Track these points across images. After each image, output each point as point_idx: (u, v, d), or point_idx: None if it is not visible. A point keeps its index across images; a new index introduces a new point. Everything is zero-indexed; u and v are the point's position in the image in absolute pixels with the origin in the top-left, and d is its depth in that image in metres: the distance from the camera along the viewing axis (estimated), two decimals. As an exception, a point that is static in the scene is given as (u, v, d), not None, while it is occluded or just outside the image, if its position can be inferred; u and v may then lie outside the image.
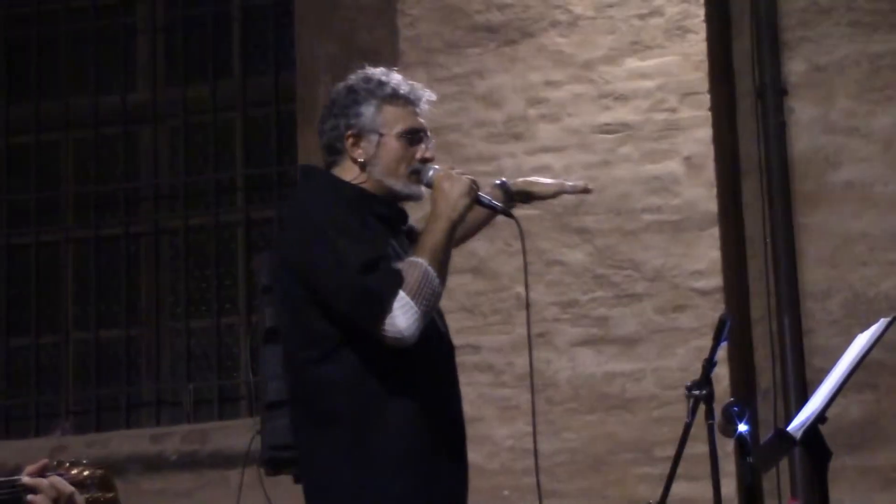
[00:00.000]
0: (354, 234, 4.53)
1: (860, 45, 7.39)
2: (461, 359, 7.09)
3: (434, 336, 4.65)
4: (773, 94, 7.45)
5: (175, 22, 8.90)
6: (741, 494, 6.45)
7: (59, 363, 8.79)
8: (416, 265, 4.47)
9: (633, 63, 7.28)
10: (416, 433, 4.57)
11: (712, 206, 7.14)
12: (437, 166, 4.66)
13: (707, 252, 7.09)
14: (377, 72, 4.74)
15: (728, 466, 6.00)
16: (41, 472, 3.40)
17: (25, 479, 3.38)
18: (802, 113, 7.45)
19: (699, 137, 7.18)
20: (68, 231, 8.89)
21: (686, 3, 7.26)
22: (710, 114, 7.21)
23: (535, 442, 4.85)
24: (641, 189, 7.20)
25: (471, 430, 7.06)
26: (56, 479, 3.40)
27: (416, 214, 4.79)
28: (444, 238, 4.52)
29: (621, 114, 7.27)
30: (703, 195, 7.15)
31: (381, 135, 4.65)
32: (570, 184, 5.24)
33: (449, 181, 4.58)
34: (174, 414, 8.54)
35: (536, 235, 6.86)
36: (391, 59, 7.62)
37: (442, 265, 4.50)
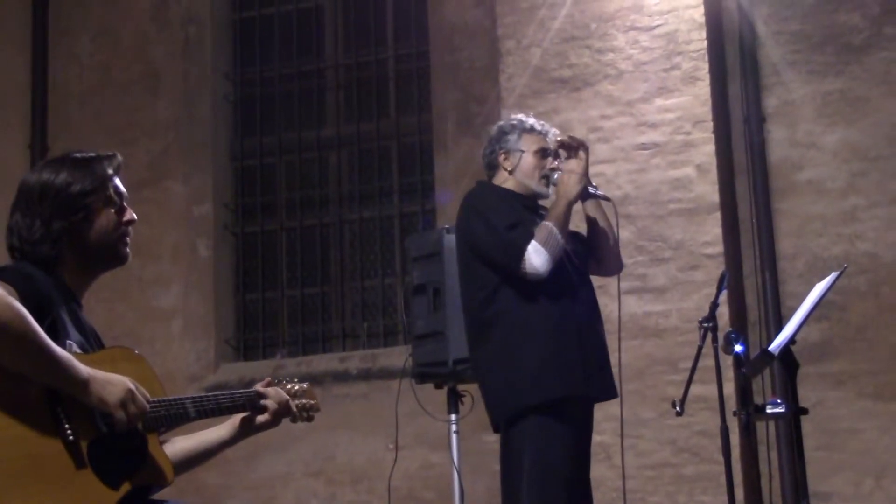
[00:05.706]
0: (501, 211, 4.64)
1: (815, 86, 7.35)
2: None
3: (568, 276, 4.66)
4: (756, 120, 7.39)
5: (351, 81, 8.92)
6: (738, 393, 6.37)
7: (277, 310, 8.85)
8: (545, 226, 4.59)
9: (660, 102, 7.23)
10: (556, 343, 4.54)
11: (715, 198, 7.07)
12: (560, 171, 4.76)
13: (712, 229, 7.04)
14: (520, 115, 4.91)
15: (728, 374, 5.98)
16: (268, 385, 3.46)
17: (258, 387, 3.44)
18: (776, 133, 7.39)
19: (706, 151, 7.12)
20: (282, 223, 8.93)
21: (695, 60, 7.20)
22: (713, 135, 7.13)
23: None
24: (667, 187, 7.16)
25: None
26: (278, 390, 3.45)
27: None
28: (564, 210, 4.62)
29: (653, 136, 7.22)
30: (709, 190, 7.09)
31: (521, 152, 4.78)
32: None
33: (567, 175, 4.70)
34: (354, 343, 8.58)
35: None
36: (496, 103, 7.71)
37: (562, 227, 4.59)
